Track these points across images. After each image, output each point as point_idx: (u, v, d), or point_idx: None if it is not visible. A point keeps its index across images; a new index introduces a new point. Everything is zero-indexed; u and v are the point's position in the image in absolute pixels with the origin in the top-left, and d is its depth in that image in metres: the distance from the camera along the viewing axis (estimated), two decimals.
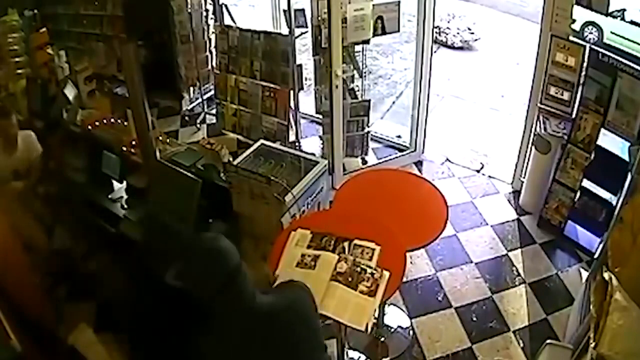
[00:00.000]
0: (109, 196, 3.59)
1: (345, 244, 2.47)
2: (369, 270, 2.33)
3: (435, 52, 4.87)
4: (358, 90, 4.50)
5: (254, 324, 1.61)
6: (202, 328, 1.61)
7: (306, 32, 4.44)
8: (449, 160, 4.86)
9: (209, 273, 1.56)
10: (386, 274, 2.32)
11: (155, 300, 2.76)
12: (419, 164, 4.87)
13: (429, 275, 3.75)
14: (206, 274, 1.56)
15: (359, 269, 2.34)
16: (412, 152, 4.86)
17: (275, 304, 1.67)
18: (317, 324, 1.76)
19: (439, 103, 5.84)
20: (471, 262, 3.85)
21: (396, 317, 3.45)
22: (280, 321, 1.66)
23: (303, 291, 1.79)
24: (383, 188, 3.12)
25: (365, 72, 4.51)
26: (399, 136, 5.08)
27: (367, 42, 4.18)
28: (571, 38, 3.57)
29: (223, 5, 5.00)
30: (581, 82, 3.54)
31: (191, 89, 5.62)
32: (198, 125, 5.47)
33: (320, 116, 4.70)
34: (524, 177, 4.30)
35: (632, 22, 7.00)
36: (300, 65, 4.52)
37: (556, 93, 3.75)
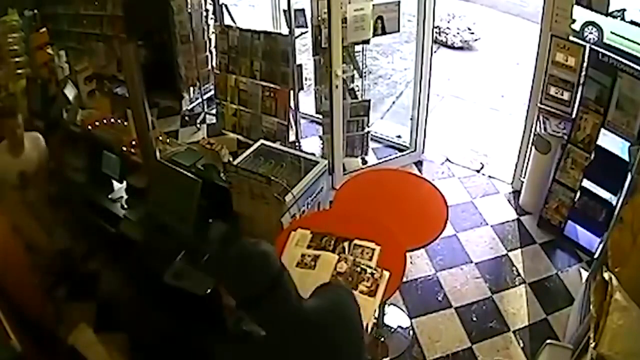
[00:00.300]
0: (109, 196, 3.59)
1: (345, 244, 2.47)
2: (369, 270, 2.33)
3: (435, 52, 4.87)
4: (358, 90, 4.50)
5: (299, 327, 1.59)
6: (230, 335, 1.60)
7: (306, 32, 4.44)
8: (449, 160, 4.86)
9: (257, 276, 1.53)
10: (386, 274, 2.33)
11: (167, 303, 2.77)
12: (419, 164, 4.87)
13: (429, 275, 3.75)
14: (254, 278, 1.53)
15: (359, 269, 2.34)
16: (412, 152, 4.86)
17: (318, 306, 1.64)
18: (360, 326, 1.73)
19: (439, 103, 5.84)
20: (471, 262, 3.85)
21: (396, 317, 3.45)
22: (325, 323, 1.63)
23: (345, 292, 1.77)
24: (383, 188, 3.12)
25: (365, 72, 4.51)
26: (399, 136, 5.08)
27: (367, 42, 4.18)
28: (571, 38, 3.57)
29: (223, 5, 5.00)
30: (581, 82, 3.54)
31: (191, 89, 5.62)
32: (198, 125, 5.47)
33: (320, 116, 4.70)
34: (524, 177, 4.30)
35: (632, 22, 6.99)
36: (300, 65, 4.52)
37: (556, 93, 3.75)
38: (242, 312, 1.62)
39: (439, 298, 3.59)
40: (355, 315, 1.72)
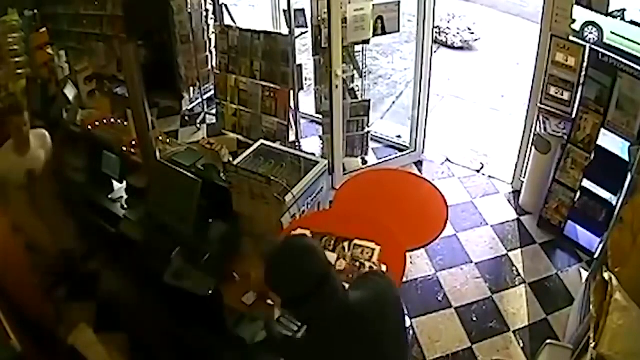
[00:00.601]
0: (109, 196, 3.59)
1: (345, 244, 2.47)
2: (367, 265, 2.34)
3: (435, 52, 4.87)
4: (358, 90, 4.50)
5: (345, 320, 1.59)
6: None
7: (306, 32, 4.44)
8: (449, 160, 4.86)
9: (307, 271, 1.53)
10: (384, 267, 2.33)
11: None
12: (419, 164, 4.87)
13: (429, 275, 3.75)
14: (305, 272, 1.53)
15: (357, 264, 2.35)
16: (412, 152, 4.86)
17: (362, 298, 1.64)
18: (402, 315, 1.74)
19: (439, 103, 5.84)
20: (471, 262, 3.85)
21: None
22: (369, 315, 1.64)
23: (386, 282, 1.76)
24: (383, 188, 3.13)
25: (365, 72, 4.52)
26: (399, 136, 5.08)
27: (367, 42, 4.18)
28: (571, 38, 3.57)
29: (223, 5, 5.01)
30: (581, 82, 3.54)
31: (191, 89, 5.62)
32: (198, 125, 5.47)
33: (320, 116, 4.70)
34: (524, 177, 4.30)
35: (632, 22, 6.99)
36: (300, 65, 4.52)
37: (556, 93, 3.75)
38: (288, 310, 1.61)
39: (439, 298, 3.59)
40: (397, 304, 1.72)
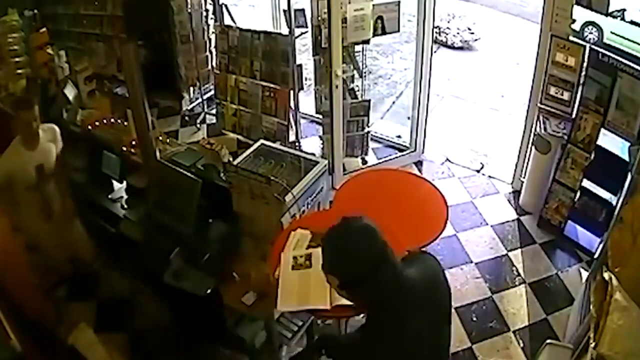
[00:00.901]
0: (109, 196, 3.59)
1: None
2: None
3: (435, 52, 4.87)
4: (358, 90, 4.49)
5: (408, 295, 1.57)
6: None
7: (306, 32, 4.44)
8: (449, 160, 4.86)
9: (367, 251, 1.52)
10: None
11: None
12: (419, 164, 4.87)
13: None
14: (365, 253, 1.51)
15: None
16: (412, 152, 4.86)
17: (418, 273, 1.64)
18: (449, 290, 1.73)
19: (439, 103, 5.83)
20: (471, 262, 3.85)
21: None
22: (426, 290, 1.64)
23: (432, 259, 1.77)
24: (383, 188, 3.12)
25: (365, 72, 4.51)
26: (399, 136, 5.08)
27: (367, 42, 4.18)
28: (571, 38, 3.57)
29: (223, 5, 5.01)
30: (581, 82, 3.54)
31: (191, 89, 5.62)
32: (198, 125, 5.47)
33: (320, 116, 4.70)
34: (524, 177, 4.30)
35: (632, 22, 6.99)
36: (300, 65, 4.52)
37: (556, 93, 3.75)
38: (346, 292, 1.59)
39: None
40: (445, 282, 1.73)
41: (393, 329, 1.56)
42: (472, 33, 7.80)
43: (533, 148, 4.01)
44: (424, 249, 1.96)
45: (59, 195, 3.33)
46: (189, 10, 5.07)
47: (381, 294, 1.54)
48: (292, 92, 4.58)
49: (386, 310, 1.55)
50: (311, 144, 5.06)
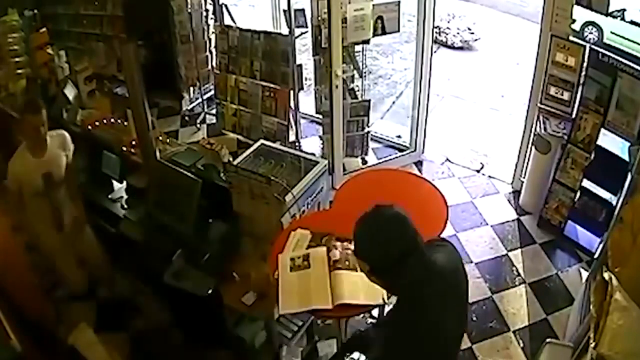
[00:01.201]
0: (109, 196, 3.59)
1: (346, 244, 2.46)
2: None
3: (435, 52, 4.87)
4: (358, 90, 4.49)
5: (436, 280, 1.60)
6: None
7: (306, 32, 4.44)
8: (449, 160, 4.86)
9: (398, 238, 1.55)
10: None
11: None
12: (419, 164, 4.87)
13: None
14: (395, 240, 1.55)
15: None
16: (412, 152, 4.86)
17: (443, 257, 1.67)
18: (466, 274, 1.76)
19: (439, 103, 5.83)
20: (471, 262, 3.85)
21: None
22: (452, 276, 1.68)
23: (450, 245, 1.79)
24: (383, 188, 3.11)
25: (365, 72, 4.52)
26: (399, 136, 5.08)
27: (367, 42, 4.18)
28: (571, 38, 3.57)
29: (223, 5, 5.01)
30: (581, 82, 3.54)
31: (191, 89, 5.62)
32: (198, 125, 5.47)
33: (320, 116, 4.70)
34: (524, 177, 4.30)
35: (632, 22, 6.98)
36: (300, 65, 4.52)
37: (556, 93, 3.75)
38: (376, 278, 1.61)
39: None
40: (464, 268, 1.76)
41: (421, 315, 1.59)
42: (472, 33, 7.80)
43: (533, 148, 4.01)
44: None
45: (69, 203, 3.19)
46: (189, 10, 5.07)
47: (411, 280, 1.56)
48: (292, 92, 4.58)
49: (417, 295, 1.58)
50: (311, 144, 5.06)
